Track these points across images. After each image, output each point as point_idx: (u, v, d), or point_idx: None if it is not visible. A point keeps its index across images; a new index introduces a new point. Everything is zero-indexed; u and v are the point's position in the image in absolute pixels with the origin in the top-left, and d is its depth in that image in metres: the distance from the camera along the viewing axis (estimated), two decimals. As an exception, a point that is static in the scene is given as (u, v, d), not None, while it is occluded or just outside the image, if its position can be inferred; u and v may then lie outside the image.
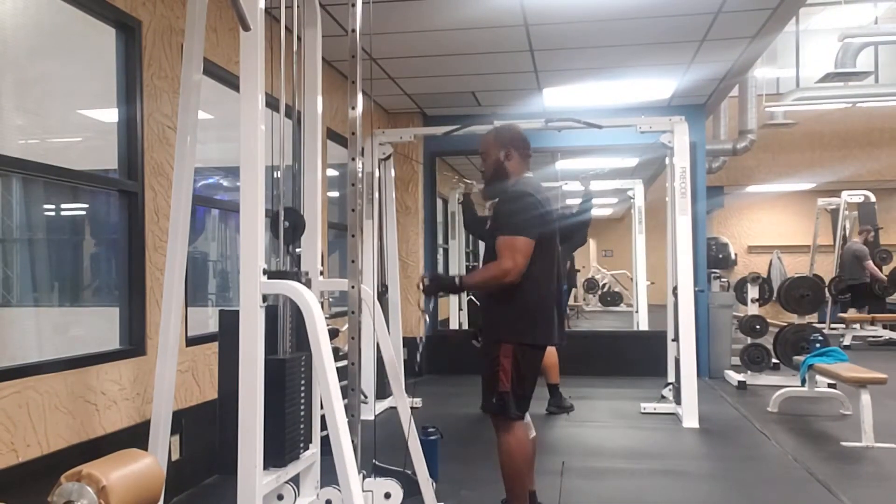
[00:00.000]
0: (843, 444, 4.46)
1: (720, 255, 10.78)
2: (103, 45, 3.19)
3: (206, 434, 3.59)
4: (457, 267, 9.42)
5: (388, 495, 3.05)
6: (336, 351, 2.72)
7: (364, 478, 2.97)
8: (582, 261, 14.18)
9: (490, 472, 3.94)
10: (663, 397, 5.62)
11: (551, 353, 5.44)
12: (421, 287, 2.98)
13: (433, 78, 6.14)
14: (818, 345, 5.79)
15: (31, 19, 3.00)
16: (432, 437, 3.59)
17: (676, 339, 5.29)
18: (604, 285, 14.17)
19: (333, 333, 2.58)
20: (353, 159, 2.80)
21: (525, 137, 3.06)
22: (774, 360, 6.72)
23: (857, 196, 10.50)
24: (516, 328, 2.86)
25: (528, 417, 3.08)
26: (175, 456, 3.37)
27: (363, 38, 2.81)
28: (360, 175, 2.80)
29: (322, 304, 2.57)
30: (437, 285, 3.06)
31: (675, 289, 5.28)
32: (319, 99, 2.94)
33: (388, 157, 5.99)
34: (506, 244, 2.79)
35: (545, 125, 5.58)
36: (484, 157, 3.06)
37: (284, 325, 2.59)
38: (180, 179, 2.76)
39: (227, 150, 4.29)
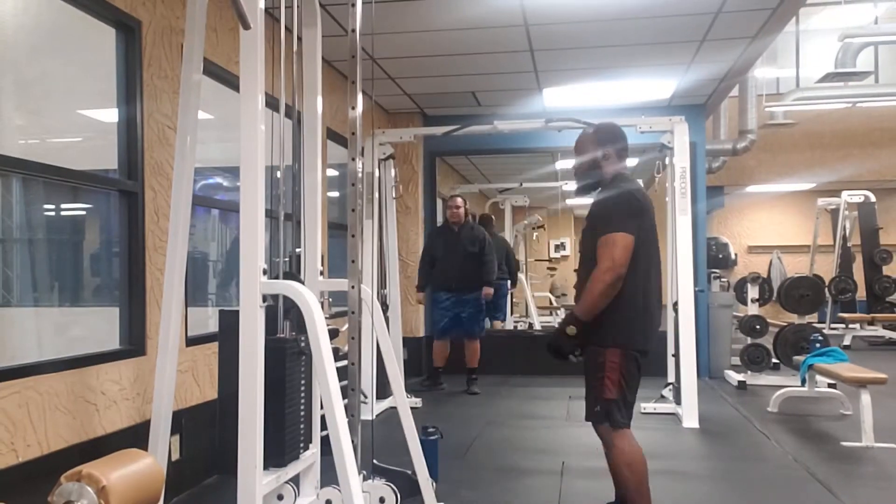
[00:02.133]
0: (844, 444, 4.46)
1: (720, 255, 10.79)
2: (103, 45, 3.19)
3: (206, 434, 3.59)
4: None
5: (382, 500, 3.05)
6: (336, 351, 2.71)
7: (364, 478, 2.96)
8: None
9: (490, 473, 3.94)
10: (663, 397, 5.62)
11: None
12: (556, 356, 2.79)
13: (433, 78, 6.14)
14: (818, 345, 5.78)
15: (32, 19, 3.00)
16: (432, 437, 3.59)
17: (677, 354, 5.28)
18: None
19: (333, 334, 2.57)
20: (353, 159, 2.80)
21: (623, 136, 2.94)
22: (774, 360, 6.72)
23: (857, 196, 10.50)
24: (623, 332, 2.73)
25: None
26: (175, 456, 3.37)
27: (363, 38, 2.80)
28: (360, 175, 2.81)
29: (322, 304, 2.57)
30: (561, 340, 2.77)
31: (675, 304, 5.27)
32: (319, 99, 2.93)
33: (389, 158, 5.99)
34: (603, 242, 2.69)
35: (545, 125, 5.58)
36: (578, 155, 2.95)
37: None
38: (180, 179, 2.75)
39: (228, 150, 4.29)
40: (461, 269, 6.28)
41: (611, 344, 2.73)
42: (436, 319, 6.48)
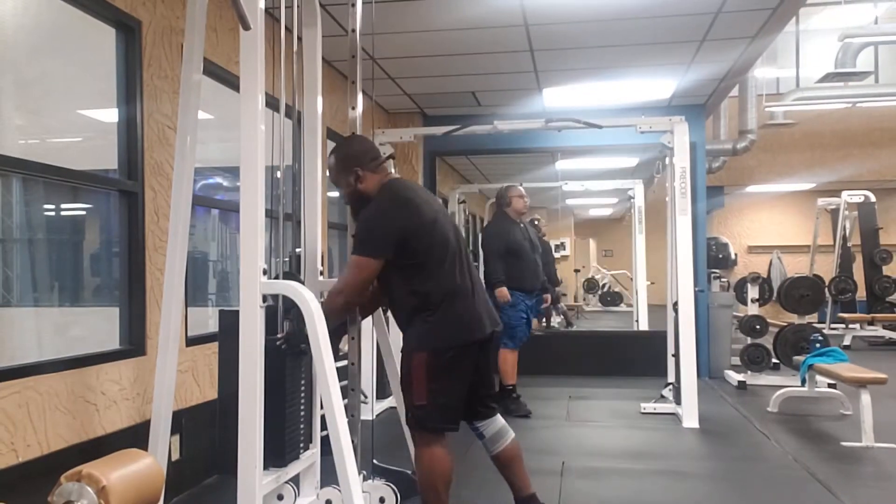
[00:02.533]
0: (844, 444, 4.46)
1: (720, 255, 10.77)
2: (103, 45, 3.19)
3: (206, 434, 3.59)
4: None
5: (382, 500, 3.05)
6: (336, 351, 2.71)
7: (364, 478, 2.96)
8: (582, 261, 14.20)
9: (491, 473, 3.94)
10: (663, 397, 5.62)
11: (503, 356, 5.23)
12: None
13: (433, 78, 6.13)
14: (818, 345, 5.79)
15: (31, 19, 3.00)
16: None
17: (676, 354, 5.28)
18: (604, 285, 14.17)
19: (333, 333, 2.57)
20: (353, 159, 2.79)
21: (366, 145, 2.84)
22: (774, 360, 6.71)
23: (857, 196, 10.50)
24: (426, 336, 2.68)
25: (498, 425, 2.94)
26: (175, 456, 3.37)
27: (363, 38, 2.81)
28: (360, 175, 2.79)
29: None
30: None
31: (675, 304, 5.26)
32: (319, 99, 2.93)
33: (389, 157, 5.97)
34: (349, 264, 2.70)
35: (545, 125, 5.58)
36: (339, 189, 2.86)
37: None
38: (180, 179, 2.75)
39: (228, 150, 4.29)
40: (536, 269, 5.64)
41: (415, 349, 2.70)
42: (515, 324, 5.46)
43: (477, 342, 2.74)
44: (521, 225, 5.71)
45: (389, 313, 2.93)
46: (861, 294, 10.82)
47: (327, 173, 2.90)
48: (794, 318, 6.85)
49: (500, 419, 2.96)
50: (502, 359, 5.33)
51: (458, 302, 2.70)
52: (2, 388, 2.49)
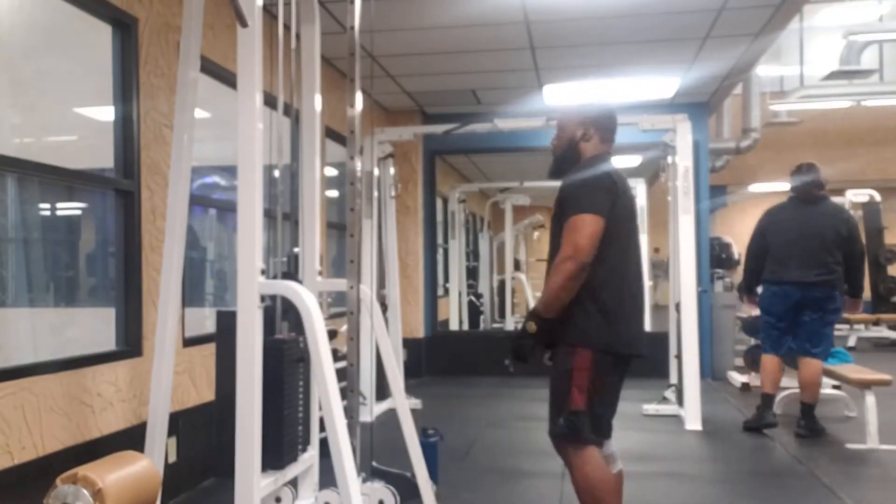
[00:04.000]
0: (848, 446, 4.43)
1: (723, 255, 10.74)
2: (99, 43, 3.16)
3: (203, 436, 3.57)
4: (456, 267, 9.38)
5: (381, 503, 3.02)
6: (335, 352, 2.69)
7: (363, 480, 2.94)
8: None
9: (491, 475, 3.91)
10: (665, 399, 5.59)
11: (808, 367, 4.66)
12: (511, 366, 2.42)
13: (433, 76, 6.11)
14: (822, 345, 5.74)
15: (27, 16, 2.97)
16: (432, 439, 3.56)
17: (679, 355, 5.25)
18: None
19: (332, 335, 2.55)
20: (352, 158, 2.77)
21: (611, 119, 2.64)
22: (778, 361, 6.67)
23: (861, 195, 10.45)
24: (598, 330, 2.37)
25: (613, 446, 2.56)
26: (172, 458, 3.34)
27: (362, 36, 2.78)
28: (358, 174, 2.78)
29: (321, 304, 2.54)
30: (521, 339, 2.41)
31: (678, 305, 5.23)
32: (318, 97, 2.91)
33: (388, 156, 5.95)
34: (568, 226, 2.34)
35: (546, 123, 5.54)
36: (558, 133, 2.63)
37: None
38: (177, 179, 2.73)
39: (225, 149, 4.26)
40: None
41: (582, 343, 2.38)
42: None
43: (633, 357, 2.49)
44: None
45: (389, 313, 2.88)
46: (866, 294, 10.77)
47: (563, 116, 2.67)
48: (798, 319, 6.80)
49: (612, 443, 2.58)
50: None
51: (629, 306, 2.48)
52: (-4, 390, 2.46)
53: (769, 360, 4.88)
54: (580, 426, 2.36)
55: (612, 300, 2.41)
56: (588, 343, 2.38)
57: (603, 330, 2.39)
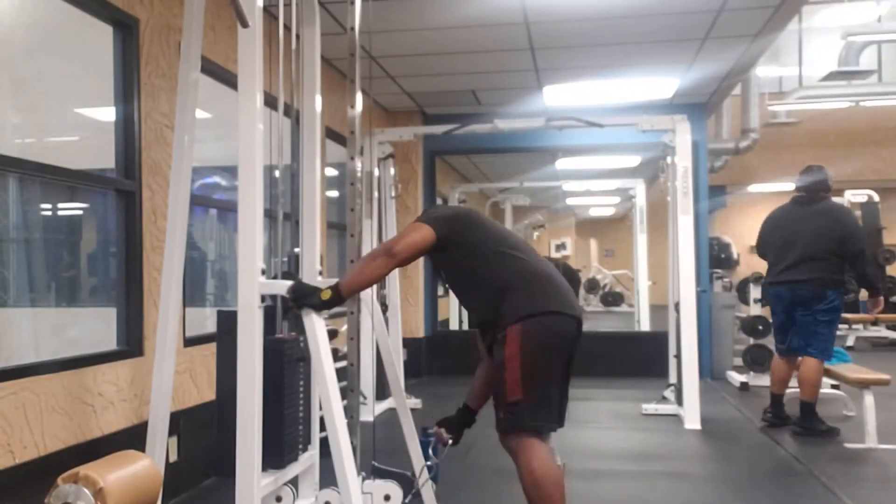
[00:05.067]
0: (847, 445, 4.43)
1: (722, 256, 10.74)
2: (100, 44, 3.17)
3: (204, 435, 3.57)
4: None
5: (387, 497, 3.03)
6: (335, 352, 2.69)
7: (364, 479, 2.94)
8: (583, 261, 14.18)
9: (491, 475, 3.92)
10: (665, 398, 5.59)
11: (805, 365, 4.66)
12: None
13: (433, 76, 6.11)
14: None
15: (28, 17, 2.98)
16: (432, 439, 3.56)
17: (678, 355, 5.26)
18: (605, 285, 14.15)
19: (332, 334, 2.55)
20: (352, 158, 2.78)
21: None
22: (777, 361, 6.68)
23: (860, 195, 10.45)
24: (518, 303, 2.34)
25: (552, 441, 2.50)
26: (173, 457, 3.35)
27: (362, 37, 2.78)
28: (359, 174, 2.78)
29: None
30: (306, 292, 2.30)
31: (677, 304, 5.24)
32: (318, 97, 2.91)
33: (388, 157, 5.96)
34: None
35: (546, 124, 5.56)
36: None
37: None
38: (178, 179, 2.73)
39: (226, 149, 4.27)
40: None
41: (510, 322, 2.33)
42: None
43: (556, 315, 2.41)
44: None
45: (389, 313, 2.88)
46: (864, 294, 10.78)
47: None
48: (797, 319, 6.80)
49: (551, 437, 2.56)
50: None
51: (542, 279, 2.49)
52: (-3, 390, 2.47)
53: (775, 361, 5.05)
54: (520, 417, 2.35)
55: (517, 278, 2.42)
56: (512, 317, 2.36)
57: (522, 300, 2.37)
